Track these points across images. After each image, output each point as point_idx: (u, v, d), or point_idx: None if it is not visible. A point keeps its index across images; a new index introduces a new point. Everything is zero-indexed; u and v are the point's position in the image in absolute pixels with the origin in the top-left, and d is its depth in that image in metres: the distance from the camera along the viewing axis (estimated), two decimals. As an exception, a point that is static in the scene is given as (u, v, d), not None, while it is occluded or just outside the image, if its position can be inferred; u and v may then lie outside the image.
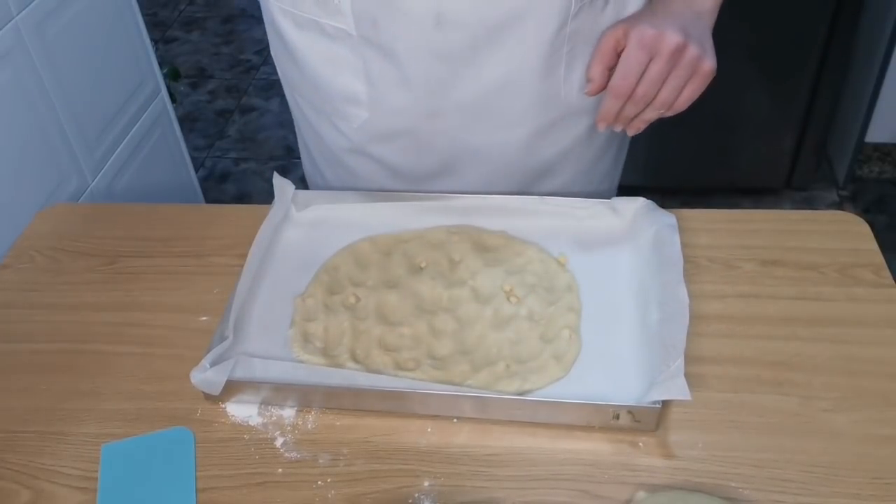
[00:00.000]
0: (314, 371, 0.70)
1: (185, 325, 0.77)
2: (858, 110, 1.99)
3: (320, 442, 0.66)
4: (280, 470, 0.64)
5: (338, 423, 0.67)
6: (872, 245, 0.81)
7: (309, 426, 0.67)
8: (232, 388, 0.68)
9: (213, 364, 0.68)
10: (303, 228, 0.85)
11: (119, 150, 1.28)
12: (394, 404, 0.67)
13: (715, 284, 0.77)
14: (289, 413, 0.68)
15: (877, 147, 2.08)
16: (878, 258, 0.79)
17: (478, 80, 0.77)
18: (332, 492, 0.62)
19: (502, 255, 0.80)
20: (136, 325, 0.78)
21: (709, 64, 0.71)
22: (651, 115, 0.73)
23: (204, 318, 0.77)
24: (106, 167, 1.24)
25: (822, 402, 0.67)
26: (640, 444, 0.64)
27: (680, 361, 0.65)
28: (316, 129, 0.90)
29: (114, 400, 0.71)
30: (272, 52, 0.90)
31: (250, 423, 0.68)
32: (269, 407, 0.69)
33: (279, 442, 0.66)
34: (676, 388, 0.63)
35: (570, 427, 0.66)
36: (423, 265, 0.79)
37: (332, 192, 0.88)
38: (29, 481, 0.65)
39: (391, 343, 0.72)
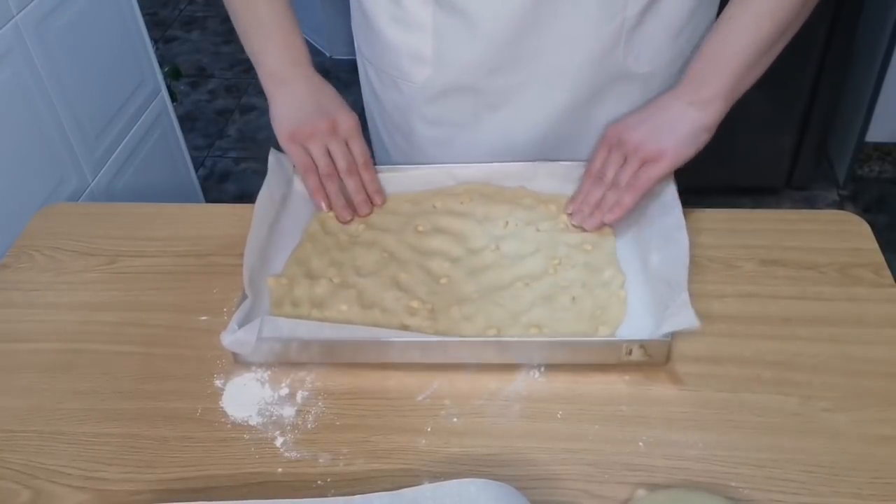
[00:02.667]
0: (341, 328, 0.72)
1: (185, 325, 0.77)
2: (858, 110, 1.99)
3: (320, 442, 0.66)
4: (280, 470, 0.64)
5: (338, 423, 0.68)
6: (872, 245, 0.81)
7: (309, 426, 0.67)
8: (262, 348, 0.70)
9: (240, 325, 0.70)
10: (309, 201, 0.87)
11: (119, 149, 1.28)
12: (420, 354, 0.70)
13: (715, 284, 0.77)
14: (288, 412, 0.68)
15: (877, 147, 2.08)
16: (878, 258, 0.79)
17: (539, 37, 0.80)
18: (332, 491, 0.62)
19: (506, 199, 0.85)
20: (136, 324, 0.78)
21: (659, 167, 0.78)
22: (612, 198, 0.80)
23: (204, 318, 0.77)
24: (106, 167, 1.24)
25: (822, 402, 0.67)
26: (641, 443, 0.64)
27: (685, 295, 0.68)
28: (380, 97, 0.95)
29: (113, 400, 0.71)
30: (352, 25, 0.96)
31: (250, 422, 0.68)
32: (269, 406, 0.69)
33: (279, 442, 0.66)
34: (685, 319, 0.67)
35: (578, 415, 0.66)
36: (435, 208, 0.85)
37: None
38: (28, 481, 0.65)
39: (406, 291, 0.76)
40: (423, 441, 0.66)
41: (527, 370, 0.70)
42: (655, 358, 0.69)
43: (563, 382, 0.69)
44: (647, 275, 0.76)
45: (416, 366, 0.71)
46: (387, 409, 0.68)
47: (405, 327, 0.73)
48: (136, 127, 1.33)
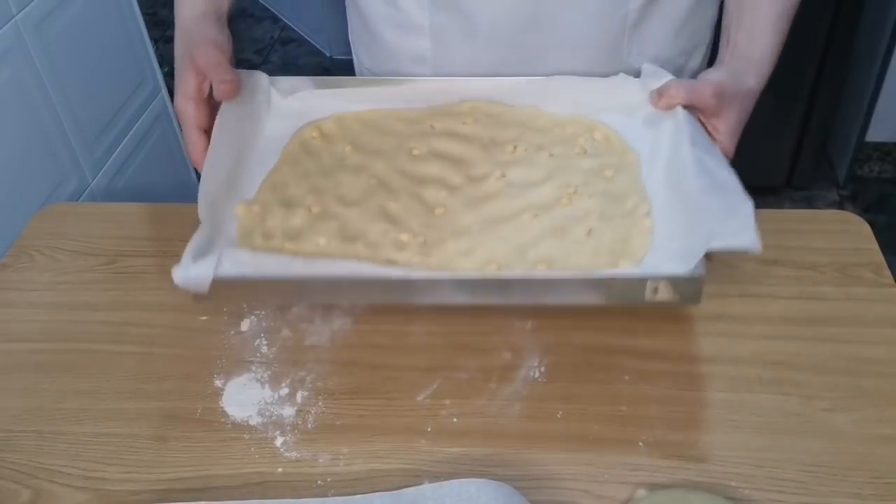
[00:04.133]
0: (314, 263, 0.65)
1: (185, 325, 0.77)
2: (858, 110, 1.99)
3: (320, 442, 0.66)
4: (280, 470, 0.64)
5: (338, 423, 0.68)
6: (872, 245, 0.81)
7: (309, 426, 0.67)
8: (221, 288, 0.63)
9: (195, 259, 0.63)
10: (290, 120, 0.81)
11: (119, 149, 1.28)
12: (405, 294, 0.63)
13: (715, 284, 0.77)
14: (288, 412, 0.68)
15: (877, 147, 2.08)
16: (879, 258, 0.79)
17: (541, 36, 0.80)
18: (332, 491, 0.62)
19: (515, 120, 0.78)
20: (136, 324, 0.78)
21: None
22: None
23: (204, 318, 0.77)
24: (106, 167, 1.24)
25: (822, 402, 0.67)
26: (640, 443, 0.64)
27: (749, 208, 0.59)
28: None
29: (113, 400, 0.71)
30: (350, 31, 0.94)
31: (250, 422, 0.68)
32: (269, 406, 0.69)
33: (279, 442, 0.66)
34: (747, 238, 0.57)
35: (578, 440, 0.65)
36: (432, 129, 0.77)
37: (324, 78, 0.83)
38: (28, 480, 0.65)
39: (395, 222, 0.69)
40: (423, 441, 0.66)
41: (527, 370, 0.70)
42: (686, 296, 0.59)
43: (563, 382, 0.69)
44: (681, 201, 0.66)
45: (416, 366, 0.71)
46: (387, 409, 0.68)
47: (392, 262, 0.65)
48: (136, 127, 1.34)
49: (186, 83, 0.73)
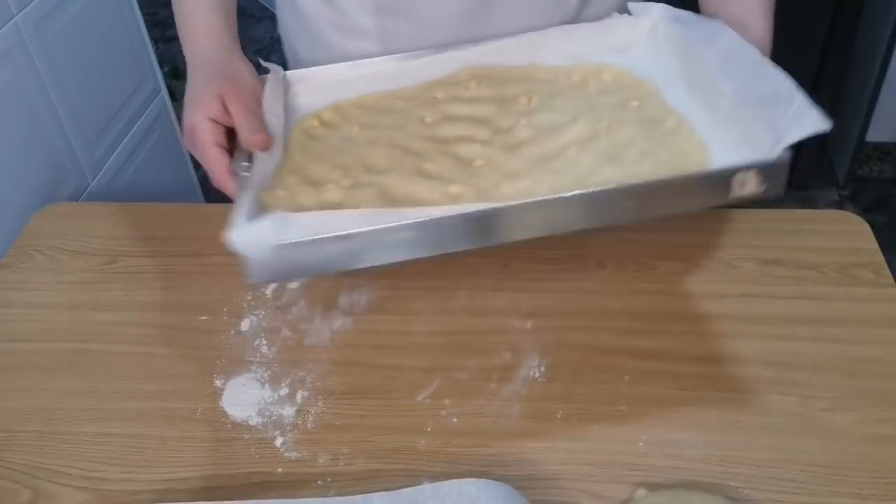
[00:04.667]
0: (382, 215, 0.57)
1: (185, 325, 0.77)
2: (858, 110, 1.99)
3: (320, 442, 0.66)
4: (280, 470, 0.64)
5: (338, 423, 0.67)
6: (872, 245, 0.81)
7: (309, 426, 0.67)
8: (286, 251, 0.55)
9: (249, 220, 0.56)
10: (320, 93, 0.78)
11: (119, 149, 1.28)
12: (491, 233, 0.57)
13: (715, 284, 0.77)
14: (288, 412, 0.68)
15: (877, 147, 2.08)
16: (879, 258, 0.79)
17: (487, 27, 0.79)
18: (332, 491, 0.62)
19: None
20: (136, 324, 0.78)
21: None
22: None
23: (204, 318, 0.77)
24: (106, 167, 1.24)
25: (822, 402, 0.67)
26: (640, 443, 0.64)
27: (800, 97, 0.59)
28: None
29: (113, 400, 0.71)
30: (282, 31, 0.92)
31: (250, 422, 0.68)
32: (269, 406, 0.69)
33: (279, 442, 0.66)
34: (811, 121, 0.57)
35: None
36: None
37: (295, 73, 0.80)
38: (28, 480, 0.65)
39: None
40: (423, 441, 0.66)
41: (527, 370, 0.70)
42: (774, 183, 0.58)
43: (563, 382, 0.69)
44: (720, 111, 0.65)
45: (416, 366, 0.71)
46: (387, 409, 0.68)
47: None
48: (136, 127, 1.33)
49: (208, 107, 0.68)
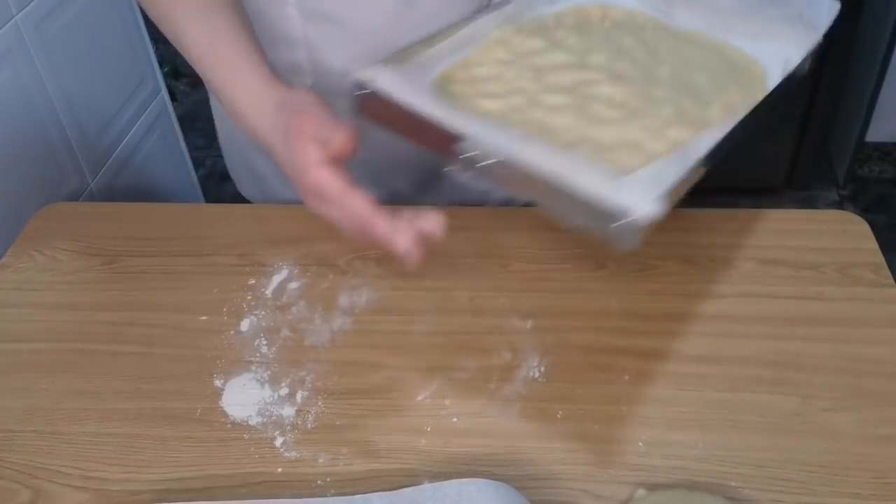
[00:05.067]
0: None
1: (185, 325, 0.77)
2: (858, 110, 1.99)
3: (320, 442, 0.66)
4: (280, 470, 0.64)
5: (338, 423, 0.68)
6: (872, 245, 0.81)
7: (309, 426, 0.67)
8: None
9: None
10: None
11: (119, 149, 1.28)
12: None
13: (715, 284, 0.77)
14: (288, 412, 0.68)
15: (877, 147, 2.08)
16: (878, 258, 0.79)
17: (413, 30, 0.76)
18: (332, 491, 0.62)
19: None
20: (136, 324, 0.78)
21: None
22: None
23: (204, 318, 0.77)
24: (106, 167, 1.24)
25: (822, 402, 0.67)
26: (640, 443, 0.64)
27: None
28: None
29: (113, 400, 0.71)
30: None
31: (250, 422, 0.68)
32: (269, 406, 0.69)
33: (279, 442, 0.66)
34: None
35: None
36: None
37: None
38: (28, 480, 0.65)
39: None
40: (423, 441, 0.66)
41: (527, 370, 0.70)
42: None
43: (562, 382, 0.69)
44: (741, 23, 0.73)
45: (416, 366, 0.71)
46: (387, 409, 0.68)
47: None
48: (136, 127, 1.33)
49: (308, 156, 0.60)
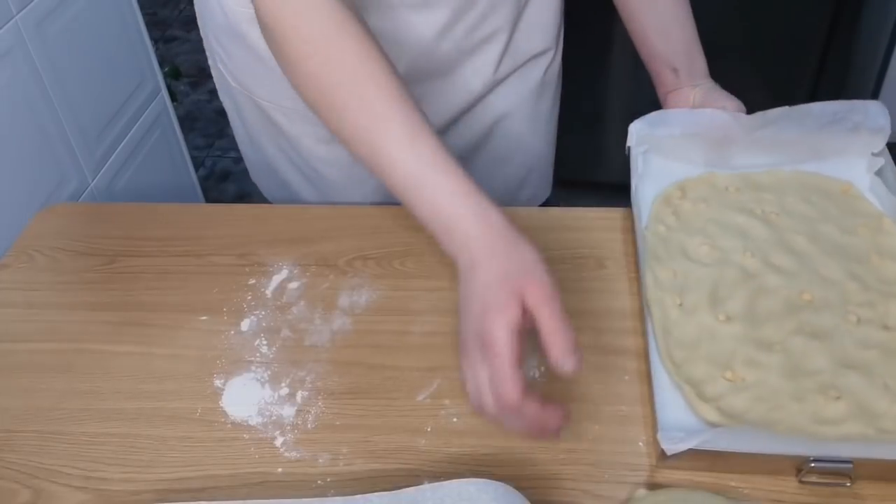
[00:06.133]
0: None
1: (185, 325, 0.77)
2: (858, 110, 1.99)
3: (320, 442, 0.66)
4: (280, 469, 0.64)
5: (338, 423, 0.67)
6: (872, 245, 0.81)
7: (309, 426, 0.67)
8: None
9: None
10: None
11: (119, 149, 1.28)
12: None
13: (715, 284, 0.77)
14: (288, 412, 0.68)
15: (877, 147, 2.08)
16: (879, 258, 0.79)
17: (457, 40, 0.82)
18: (332, 491, 0.62)
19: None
20: (136, 324, 0.78)
21: None
22: None
23: (204, 318, 0.77)
24: (106, 167, 1.24)
25: (823, 402, 0.67)
26: (640, 443, 0.64)
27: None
28: (290, 134, 0.91)
29: (113, 400, 0.71)
30: (224, 63, 0.91)
31: (250, 422, 0.68)
32: (269, 406, 0.69)
33: (279, 442, 0.66)
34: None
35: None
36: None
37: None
38: (28, 480, 0.65)
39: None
40: (423, 441, 0.66)
41: (527, 370, 0.70)
42: None
43: (563, 382, 0.69)
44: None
45: (416, 366, 0.71)
46: (387, 409, 0.68)
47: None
48: (136, 127, 1.33)
49: (510, 311, 0.56)
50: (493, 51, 0.88)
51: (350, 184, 0.94)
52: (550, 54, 0.96)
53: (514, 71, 0.93)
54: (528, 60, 0.94)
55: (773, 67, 1.80)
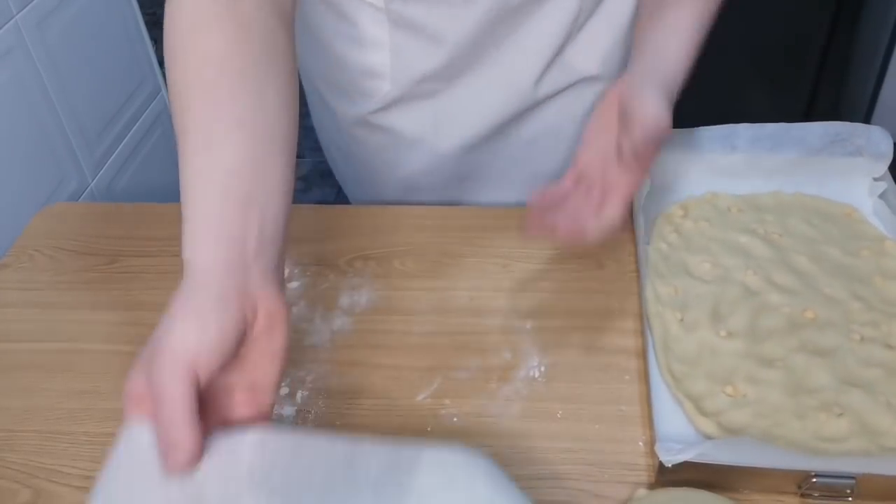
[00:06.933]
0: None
1: (185, 325, 0.77)
2: (858, 110, 1.99)
3: (320, 442, 0.66)
4: (280, 470, 0.64)
5: (338, 423, 0.67)
6: (873, 245, 0.81)
7: (309, 426, 0.67)
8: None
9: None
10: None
11: (119, 149, 1.28)
12: None
13: (715, 284, 0.77)
14: (288, 412, 0.68)
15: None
16: (879, 258, 0.79)
17: (499, 37, 0.81)
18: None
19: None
20: (136, 324, 0.77)
21: None
22: None
23: (204, 318, 0.77)
24: (106, 167, 1.24)
25: (823, 402, 0.66)
26: (640, 443, 0.64)
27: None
28: (329, 105, 0.92)
29: (113, 399, 0.71)
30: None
31: (250, 422, 0.68)
32: (269, 407, 0.69)
33: (279, 442, 0.66)
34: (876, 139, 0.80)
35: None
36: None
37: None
38: (28, 480, 0.65)
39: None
40: (423, 441, 0.66)
41: (527, 370, 0.70)
42: None
43: (563, 382, 0.69)
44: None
45: (416, 366, 0.71)
46: (387, 409, 0.68)
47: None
48: (136, 127, 1.33)
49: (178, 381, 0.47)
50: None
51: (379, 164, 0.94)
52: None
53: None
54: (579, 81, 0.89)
55: (774, 67, 1.80)
